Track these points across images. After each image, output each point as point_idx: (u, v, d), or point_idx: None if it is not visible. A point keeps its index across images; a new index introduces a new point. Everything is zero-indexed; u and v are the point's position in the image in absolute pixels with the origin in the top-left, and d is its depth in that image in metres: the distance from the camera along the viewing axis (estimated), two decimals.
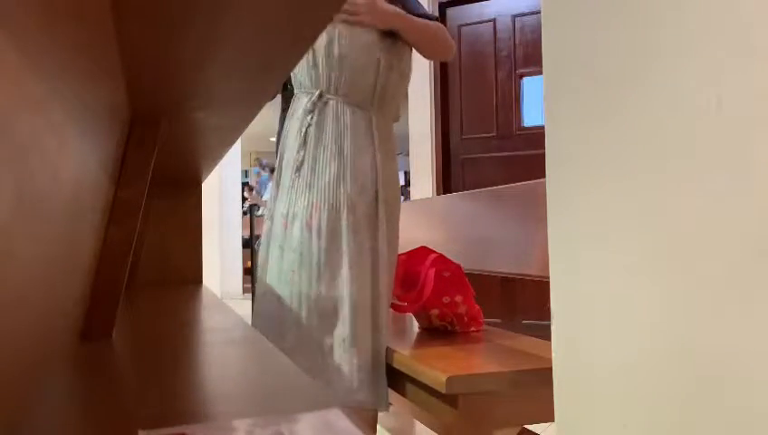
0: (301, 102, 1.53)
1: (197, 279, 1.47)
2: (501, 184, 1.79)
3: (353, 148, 1.47)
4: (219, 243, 6.03)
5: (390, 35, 1.53)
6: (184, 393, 0.46)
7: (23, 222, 0.32)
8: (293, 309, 1.43)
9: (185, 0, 0.36)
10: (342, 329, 1.41)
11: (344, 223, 1.44)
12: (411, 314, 1.76)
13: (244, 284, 6.44)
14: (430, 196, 3.64)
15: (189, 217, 1.47)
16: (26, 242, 0.34)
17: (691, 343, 0.72)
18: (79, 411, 0.43)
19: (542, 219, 1.02)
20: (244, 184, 9.57)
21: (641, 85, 0.79)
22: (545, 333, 1.04)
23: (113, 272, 0.69)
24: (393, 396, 1.48)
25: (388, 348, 1.46)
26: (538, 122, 3.46)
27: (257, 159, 10.98)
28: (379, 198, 1.49)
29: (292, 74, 1.55)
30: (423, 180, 3.78)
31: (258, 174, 10.19)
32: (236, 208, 6.53)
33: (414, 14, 1.59)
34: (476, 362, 1.30)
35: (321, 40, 1.47)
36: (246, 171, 11.49)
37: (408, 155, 3.94)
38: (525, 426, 1.35)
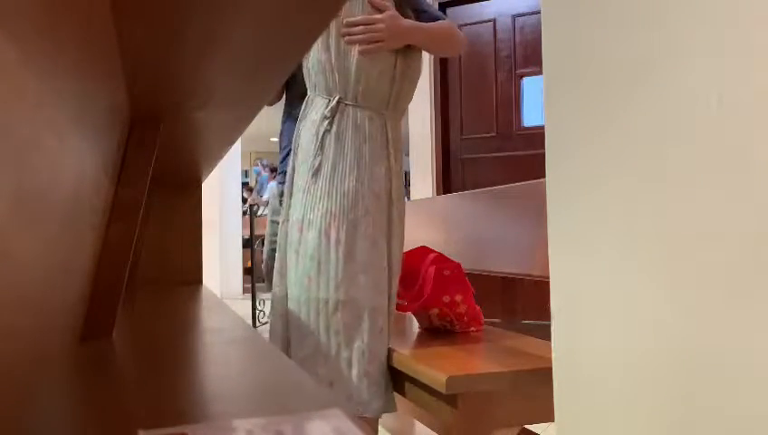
0: (316, 106, 1.52)
1: (197, 279, 1.47)
2: (501, 184, 1.79)
3: (372, 158, 1.47)
4: (219, 243, 6.03)
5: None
6: (184, 393, 0.46)
7: (22, 222, 0.32)
8: (311, 316, 1.44)
9: (185, 0, 0.36)
10: (361, 337, 1.41)
11: (362, 232, 1.44)
12: (411, 314, 1.76)
13: (244, 284, 6.44)
14: (430, 196, 3.64)
15: (189, 217, 1.47)
16: (26, 242, 0.34)
17: (691, 342, 0.72)
18: (79, 411, 0.43)
19: (542, 219, 1.02)
20: (244, 184, 9.58)
21: (641, 85, 0.79)
22: (545, 333, 1.04)
23: (113, 272, 0.69)
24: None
25: (388, 348, 1.46)
26: (538, 122, 3.46)
27: (257, 159, 10.99)
28: (393, 199, 1.50)
29: (306, 75, 1.55)
30: (423, 180, 3.78)
31: (258, 174, 10.19)
32: (236, 208, 6.54)
33: (421, 11, 1.60)
34: (476, 361, 1.30)
35: (340, 46, 1.46)
36: (246, 171, 11.50)
37: (408, 155, 3.93)
38: (525, 426, 1.35)
